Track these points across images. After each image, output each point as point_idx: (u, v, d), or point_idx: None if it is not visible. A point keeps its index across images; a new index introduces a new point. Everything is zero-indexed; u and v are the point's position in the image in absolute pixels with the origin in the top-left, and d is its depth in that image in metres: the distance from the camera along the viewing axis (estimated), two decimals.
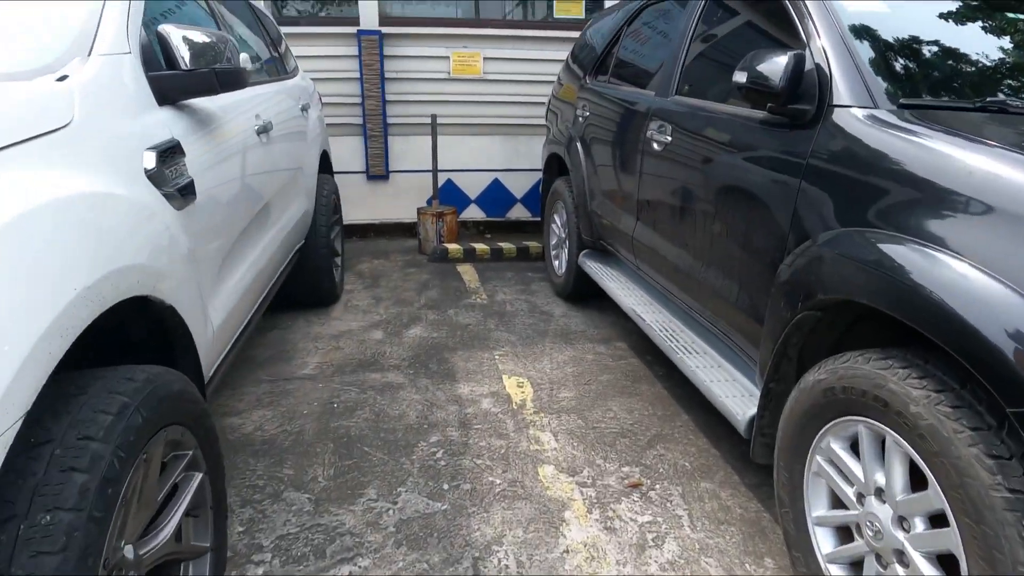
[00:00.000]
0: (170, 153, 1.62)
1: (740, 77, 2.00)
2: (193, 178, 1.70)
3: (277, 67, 3.47)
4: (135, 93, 1.63)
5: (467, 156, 5.30)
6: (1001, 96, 1.93)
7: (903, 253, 1.40)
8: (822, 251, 1.66)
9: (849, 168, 1.67)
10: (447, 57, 5.06)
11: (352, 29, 4.94)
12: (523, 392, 2.75)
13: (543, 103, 4.67)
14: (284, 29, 4.39)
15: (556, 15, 5.29)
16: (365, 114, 5.01)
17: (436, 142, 4.88)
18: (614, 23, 3.70)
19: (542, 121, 4.66)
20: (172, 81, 1.77)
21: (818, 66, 1.91)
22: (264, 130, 2.52)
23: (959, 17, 2.26)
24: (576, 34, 4.51)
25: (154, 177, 1.51)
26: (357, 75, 4.97)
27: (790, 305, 1.74)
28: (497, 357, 3.09)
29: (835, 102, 1.81)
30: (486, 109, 5.20)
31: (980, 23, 2.27)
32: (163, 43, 1.78)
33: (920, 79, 2.03)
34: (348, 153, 5.09)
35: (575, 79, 3.99)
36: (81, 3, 1.74)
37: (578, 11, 5.27)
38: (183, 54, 1.76)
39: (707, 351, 2.44)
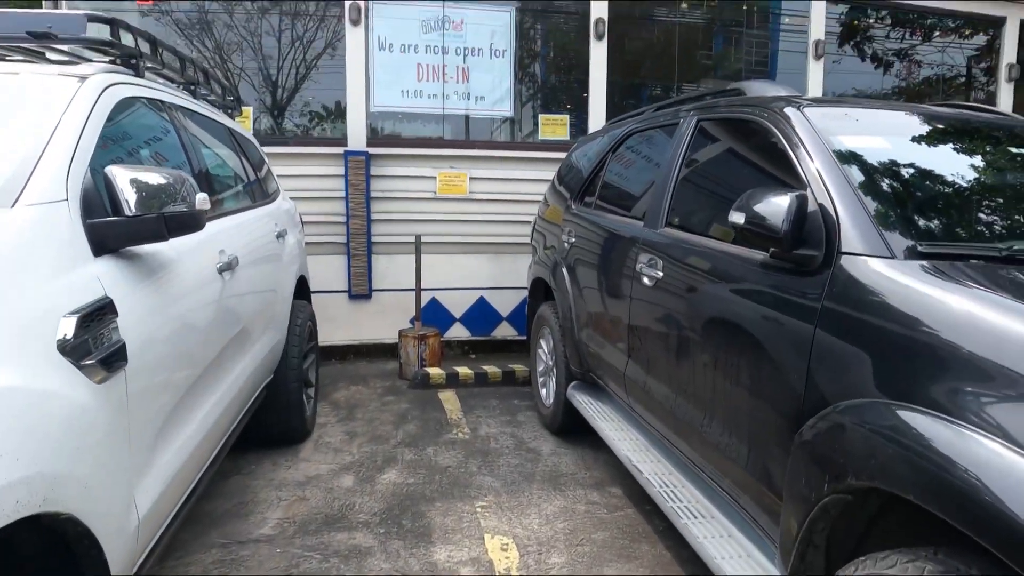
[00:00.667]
0: (97, 315, 1.40)
1: (737, 218, 1.86)
2: (125, 341, 1.48)
3: (255, 191, 3.36)
4: (64, 247, 1.44)
5: (452, 274, 5.18)
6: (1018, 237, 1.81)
7: (947, 439, 1.18)
8: (847, 422, 1.43)
9: (869, 326, 1.48)
10: (433, 177, 5.05)
11: (339, 149, 4.94)
12: (508, 557, 2.41)
13: (529, 222, 4.61)
14: (271, 149, 4.37)
15: (541, 136, 5.35)
16: (349, 233, 4.92)
17: (420, 263, 4.75)
18: (600, 147, 3.67)
19: (528, 239, 4.57)
20: (112, 228, 1.59)
21: (822, 207, 1.77)
22: (228, 267, 2.34)
23: (963, 151, 2.18)
24: (561, 155, 4.51)
25: (71, 349, 1.29)
26: (343, 194, 4.92)
27: (814, 485, 1.49)
28: (479, 510, 2.76)
29: (845, 249, 1.65)
30: (472, 228, 5.13)
31: (984, 157, 2.19)
32: (109, 186, 1.62)
33: (931, 221, 1.90)
34: (331, 272, 4.95)
35: (561, 201, 3.92)
36: (24, 137, 1.59)
37: (563, 132, 5.34)
38: (128, 197, 1.60)
39: (714, 515, 2.15)
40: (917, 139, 2.17)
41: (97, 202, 1.62)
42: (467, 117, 5.38)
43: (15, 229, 1.35)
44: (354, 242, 4.93)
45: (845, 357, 1.52)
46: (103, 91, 1.88)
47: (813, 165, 1.89)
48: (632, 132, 3.28)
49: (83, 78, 1.86)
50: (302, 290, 3.72)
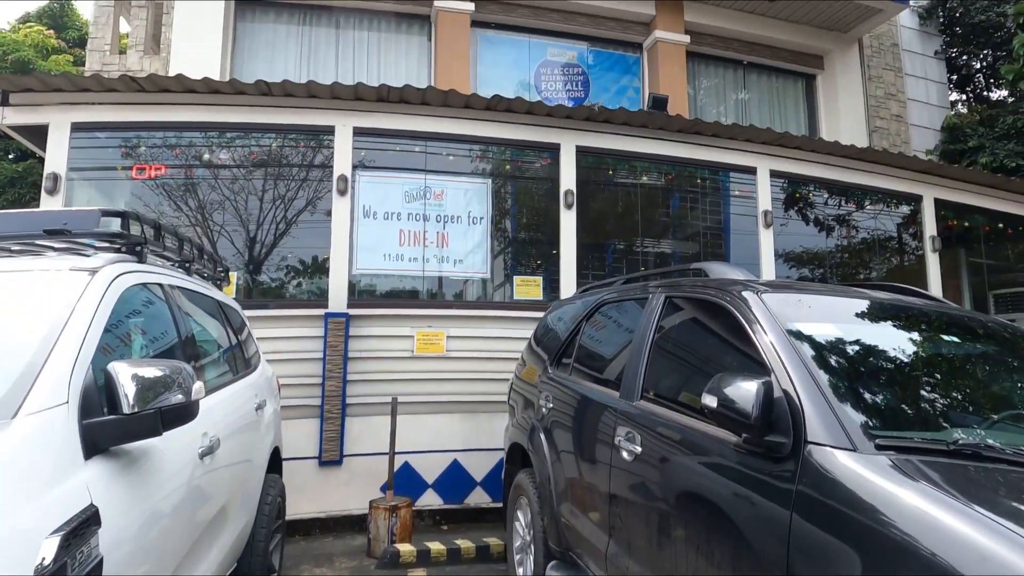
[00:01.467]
0: (81, 530, 1.38)
1: (710, 401, 1.96)
2: (103, 555, 1.45)
3: (238, 361, 3.39)
4: (58, 455, 1.46)
5: (426, 436, 5.13)
6: (974, 428, 1.94)
7: None
8: None
9: (841, 517, 1.55)
10: (411, 336, 5.17)
11: (320, 311, 5.07)
12: None
13: (505, 379, 4.68)
14: (251, 312, 4.45)
15: (516, 296, 5.59)
16: (324, 395, 4.91)
17: (395, 426, 4.71)
18: (575, 312, 3.85)
19: (504, 398, 4.61)
20: (108, 428, 1.62)
21: (786, 394, 1.89)
22: (210, 451, 2.32)
23: (905, 339, 2.38)
24: (535, 314, 4.71)
25: (50, 574, 1.26)
26: (320, 355, 4.97)
27: None
28: None
29: (811, 439, 1.75)
30: (448, 386, 5.18)
31: (925, 344, 2.39)
32: (109, 382, 1.66)
33: (886, 409, 2.03)
34: (302, 437, 4.86)
35: (539, 362, 4.03)
36: (33, 338, 1.65)
37: (536, 293, 5.60)
38: (127, 392, 1.63)
39: None
40: (864, 326, 2.38)
41: (95, 400, 1.65)
42: (446, 279, 5.63)
43: (10, 445, 1.36)
44: (328, 404, 4.91)
45: (818, 544, 1.57)
46: (110, 284, 1.97)
47: (775, 352, 2.04)
48: (605, 302, 3.48)
49: (93, 272, 1.96)
50: (274, 462, 3.63)
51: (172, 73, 6.68)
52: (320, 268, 5.37)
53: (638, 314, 3.01)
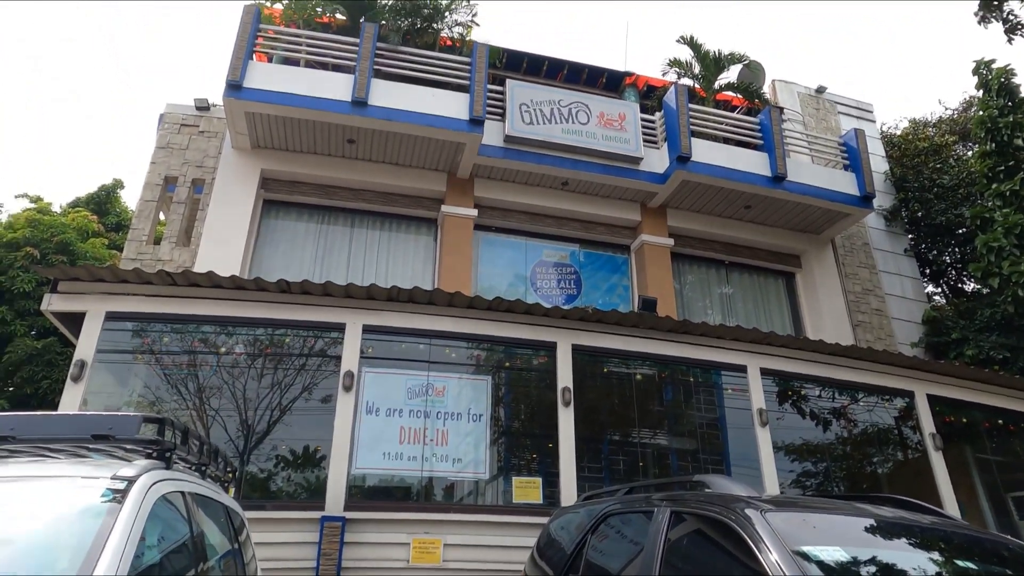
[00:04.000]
0: None
1: None
2: None
3: (236, 562, 3.27)
4: None
5: None
6: None
7: None
8: None
9: None
10: (407, 544, 4.97)
11: (316, 514, 4.93)
12: None
13: None
14: (248, 513, 4.31)
15: (515, 500, 5.46)
16: None
17: None
18: (579, 523, 3.77)
19: None
20: None
21: None
22: None
23: (922, 566, 2.35)
24: (536, 519, 4.58)
25: None
26: (312, 565, 4.73)
27: None
28: None
29: None
30: None
31: (946, 572, 2.36)
32: None
33: None
34: None
35: None
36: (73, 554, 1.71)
37: (536, 496, 5.48)
38: None
39: None
40: (870, 548, 2.37)
41: None
42: (444, 479, 5.54)
43: None
44: None
45: None
46: (145, 495, 2.08)
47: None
48: (610, 513, 3.44)
49: (131, 481, 2.08)
50: None
51: (199, 263, 7.19)
52: (317, 463, 5.32)
53: (644, 528, 2.97)
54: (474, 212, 8.97)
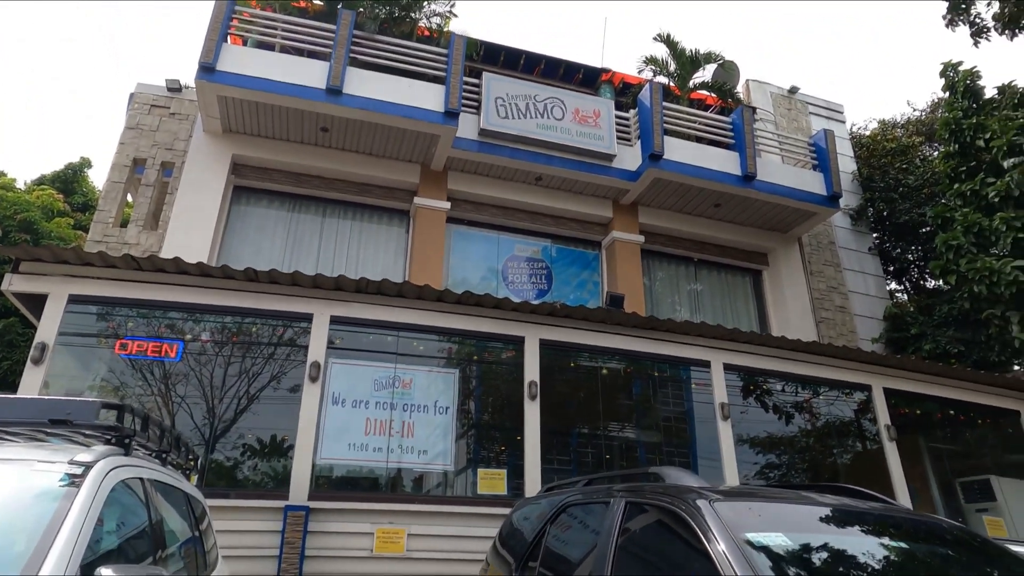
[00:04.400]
0: None
1: None
2: None
3: (196, 551, 3.27)
4: None
5: None
6: None
7: None
8: None
9: None
10: (371, 533, 5.00)
11: (279, 503, 4.93)
12: None
13: None
14: (211, 501, 4.30)
15: (480, 491, 5.52)
16: None
17: None
18: (540, 513, 3.84)
19: None
20: None
21: None
22: None
23: (863, 548, 2.45)
24: (499, 510, 4.63)
25: None
26: (276, 552, 4.74)
27: None
28: None
29: None
30: None
31: (885, 554, 2.46)
32: None
33: None
34: None
35: (504, 565, 3.92)
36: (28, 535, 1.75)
37: (501, 487, 5.54)
38: None
39: None
40: (813, 533, 2.47)
41: None
42: (409, 470, 5.57)
43: None
44: None
45: None
46: (102, 480, 2.09)
47: (729, 565, 2.11)
48: (569, 504, 3.51)
49: (88, 467, 2.09)
50: None
51: (167, 248, 7.08)
52: (283, 453, 5.31)
53: (602, 518, 3.05)
54: (447, 205, 8.98)
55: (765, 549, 2.22)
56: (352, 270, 8.37)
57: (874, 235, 11.96)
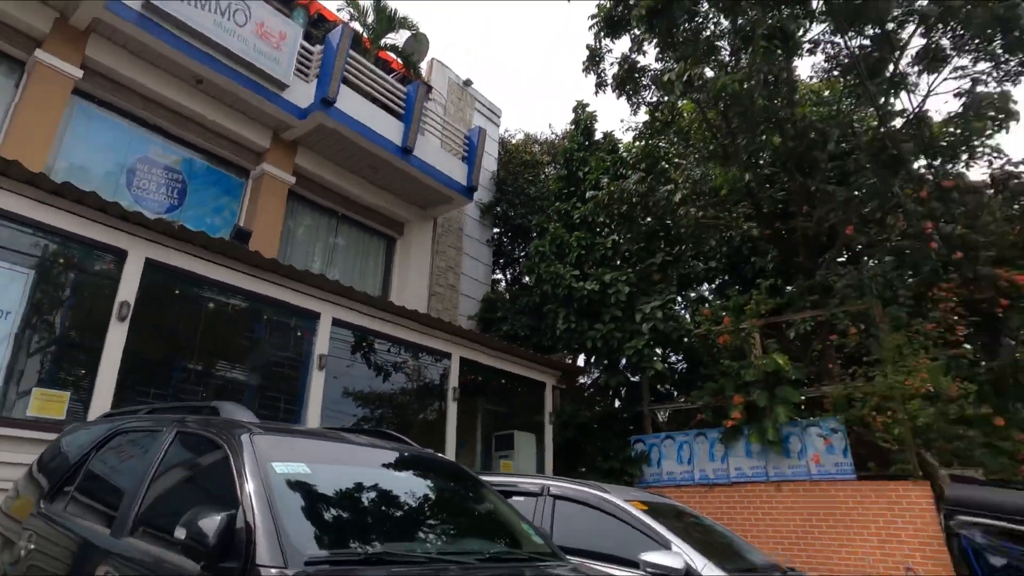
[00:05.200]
0: None
1: (180, 533, 2.25)
2: None
3: None
4: None
5: None
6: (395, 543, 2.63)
7: None
8: None
9: None
10: None
11: None
12: None
13: None
14: None
15: (31, 412, 4.92)
16: None
17: None
18: (91, 439, 3.67)
19: None
20: None
21: (248, 524, 2.30)
22: None
23: (368, 476, 3.06)
24: (53, 436, 4.26)
25: None
26: None
27: None
28: None
29: (259, 562, 2.16)
30: None
31: (382, 481, 3.12)
32: None
33: (329, 533, 2.60)
34: None
35: (35, 492, 3.64)
36: None
37: (59, 411, 5.02)
38: None
39: None
40: (337, 466, 3.01)
41: None
42: None
43: None
44: None
45: None
46: None
47: (248, 487, 2.47)
48: (121, 430, 3.47)
49: None
50: None
51: None
52: None
53: (148, 448, 3.12)
54: (79, 73, 7.49)
55: (285, 475, 2.64)
56: None
57: (495, 230, 14.03)
